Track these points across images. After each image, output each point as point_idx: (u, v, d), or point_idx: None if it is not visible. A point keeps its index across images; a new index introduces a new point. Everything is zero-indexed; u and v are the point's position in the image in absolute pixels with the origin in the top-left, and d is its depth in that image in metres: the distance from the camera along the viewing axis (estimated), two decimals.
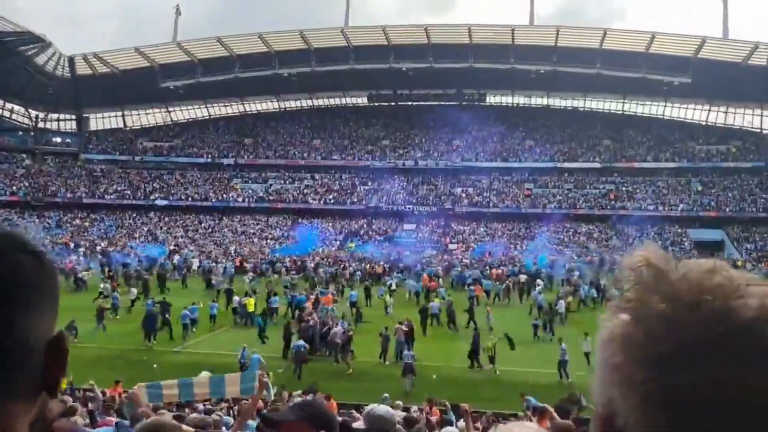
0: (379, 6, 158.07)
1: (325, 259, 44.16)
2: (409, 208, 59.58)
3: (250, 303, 26.29)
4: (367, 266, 41.14)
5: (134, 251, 46.46)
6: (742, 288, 0.54)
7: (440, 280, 35.85)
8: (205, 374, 12.00)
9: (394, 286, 32.11)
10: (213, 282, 33.95)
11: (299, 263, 42.00)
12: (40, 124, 69.89)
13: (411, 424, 7.53)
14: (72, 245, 48.47)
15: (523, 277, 35.20)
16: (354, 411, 10.61)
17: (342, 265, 41.10)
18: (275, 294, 28.16)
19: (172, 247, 49.69)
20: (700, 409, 0.50)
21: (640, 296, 0.57)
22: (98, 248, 48.70)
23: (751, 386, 0.49)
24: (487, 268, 40.02)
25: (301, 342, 20.16)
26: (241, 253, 48.67)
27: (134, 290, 29.70)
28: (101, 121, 72.24)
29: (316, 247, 49.85)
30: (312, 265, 40.38)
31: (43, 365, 0.70)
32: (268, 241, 55.75)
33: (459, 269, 40.02)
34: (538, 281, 34.12)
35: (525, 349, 20.58)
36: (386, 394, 14.28)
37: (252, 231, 58.67)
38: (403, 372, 17.59)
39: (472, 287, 31.74)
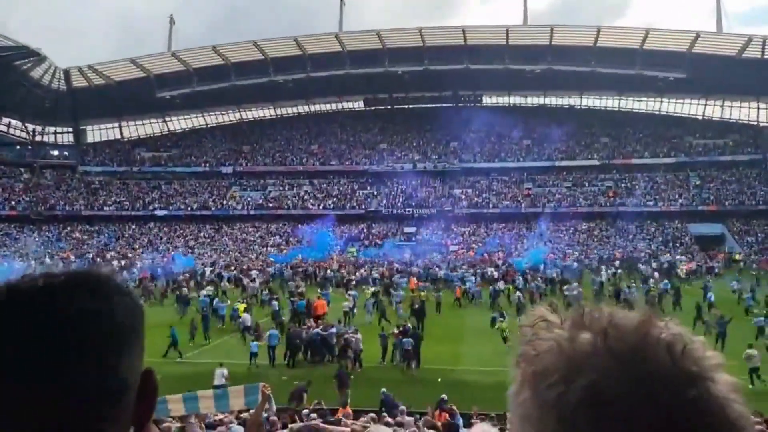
0: (372, 11, 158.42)
1: (337, 263, 44.26)
2: (408, 211, 59.58)
3: (241, 308, 26.69)
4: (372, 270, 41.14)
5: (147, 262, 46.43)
6: (625, 311, 0.62)
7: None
8: (217, 387, 13.15)
9: (375, 288, 32.52)
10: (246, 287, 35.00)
11: (311, 269, 41.63)
12: (38, 138, 69.85)
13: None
14: (116, 261, 48.12)
15: (496, 274, 37.34)
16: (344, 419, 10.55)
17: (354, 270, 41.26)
18: (276, 298, 28.66)
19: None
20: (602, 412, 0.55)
21: (537, 339, 0.63)
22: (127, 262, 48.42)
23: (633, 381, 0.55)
24: (479, 269, 40.41)
25: (316, 330, 21.18)
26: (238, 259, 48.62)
27: (209, 288, 32.50)
28: (98, 132, 72.27)
29: (332, 251, 49.84)
30: (330, 271, 40.18)
31: (135, 401, 0.72)
32: (269, 248, 55.66)
33: (447, 270, 40.36)
34: (518, 278, 35.08)
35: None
36: (383, 389, 14.90)
37: (252, 239, 58.59)
38: (403, 359, 19.80)
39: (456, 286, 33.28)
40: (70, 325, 0.67)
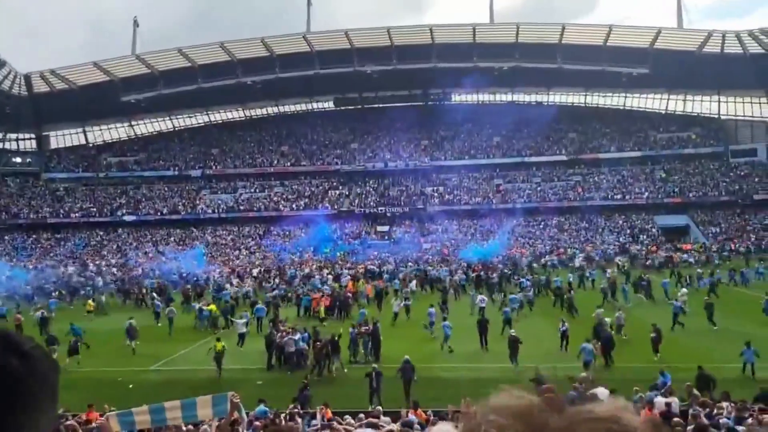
0: (340, 11, 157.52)
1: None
2: (381, 210, 59.64)
3: (213, 309, 27.57)
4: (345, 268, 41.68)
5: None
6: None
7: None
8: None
9: (320, 284, 34.26)
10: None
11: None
12: None
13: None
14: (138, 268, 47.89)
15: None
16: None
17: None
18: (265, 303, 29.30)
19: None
20: None
21: None
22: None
23: None
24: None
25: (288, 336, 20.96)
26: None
27: (249, 284, 36.30)
28: (62, 138, 70.63)
29: (333, 248, 50.39)
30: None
31: None
32: (242, 250, 55.18)
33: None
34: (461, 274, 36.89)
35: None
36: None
37: (224, 242, 57.97)
38: (352, 342, 21.03)
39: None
40: None
